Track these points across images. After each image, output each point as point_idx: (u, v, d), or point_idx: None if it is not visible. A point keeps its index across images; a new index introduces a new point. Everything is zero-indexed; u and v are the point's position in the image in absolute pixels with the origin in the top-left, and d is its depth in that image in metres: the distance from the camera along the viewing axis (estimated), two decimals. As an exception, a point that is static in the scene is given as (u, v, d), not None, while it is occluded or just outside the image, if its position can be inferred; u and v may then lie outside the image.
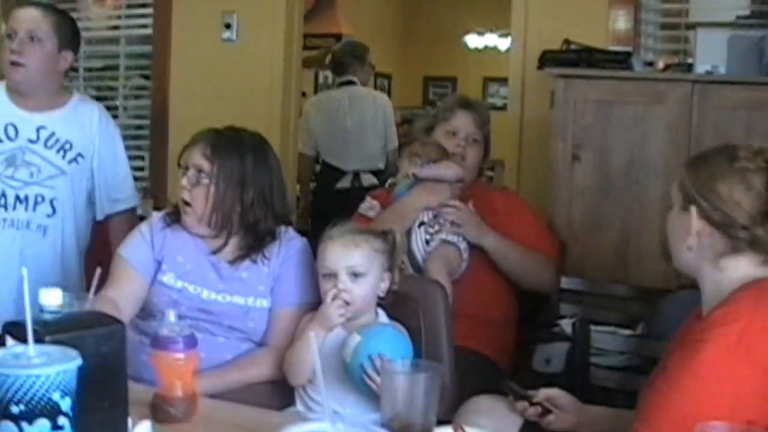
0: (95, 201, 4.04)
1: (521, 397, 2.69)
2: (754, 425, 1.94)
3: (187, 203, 3.03)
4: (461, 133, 3.94)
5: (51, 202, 3.87)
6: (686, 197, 2.34)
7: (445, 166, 3.71)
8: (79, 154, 3.93)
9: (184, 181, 3.02)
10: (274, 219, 3.07)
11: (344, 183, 6.56)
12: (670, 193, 2.43)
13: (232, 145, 3.04)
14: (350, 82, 6.75)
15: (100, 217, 4.07)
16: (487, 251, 3.70)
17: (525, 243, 3.74)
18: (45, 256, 3.86)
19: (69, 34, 3.93)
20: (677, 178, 2.40)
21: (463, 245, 3.63)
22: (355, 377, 2.55)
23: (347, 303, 2.69)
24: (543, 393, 2.69)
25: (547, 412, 2.65)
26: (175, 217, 3.12)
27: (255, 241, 3.04)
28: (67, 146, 3.90)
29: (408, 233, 3.52)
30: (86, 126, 3.98)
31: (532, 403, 2.66)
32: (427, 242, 3.60)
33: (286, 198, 3.18)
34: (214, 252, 3.05)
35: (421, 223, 3.63)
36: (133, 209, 4.19)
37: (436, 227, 3.62)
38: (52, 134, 3.88)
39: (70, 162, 3.90)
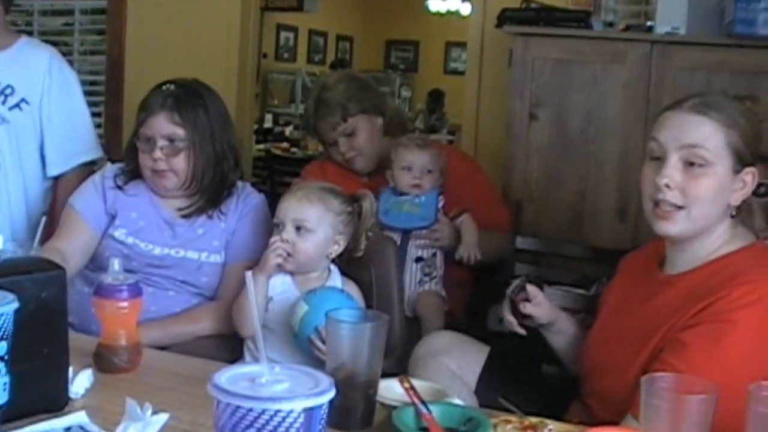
0: (46, 155, 3.68)
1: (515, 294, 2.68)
2: None
3: (163, 171, 2.96)
4: (340, 139, 3.76)
5: None
6: (741, 158, 2.26)
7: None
8: (23, 100, 3.58)
9: (158, 153, 2.93)
10: (237, 166, 3.06)
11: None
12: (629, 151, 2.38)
13: (193, 100, 2.99)
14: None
15: (53, 172, 3.69)
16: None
17: (479, 215, 3.68)
18: None
19: None
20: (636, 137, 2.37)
21: (443, 293, 3.58)
22: (303, 347, 2.55)
23: (288, 254, 2.67)
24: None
25: None
26: (127, 177, 3.08)
27: (219, 194, 3.02)
28: (8, 91, 3.56)
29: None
30: (33, 69, 3.61)
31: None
32: (420, 281, 3.54)
33: (237, 137, 3.17)
34: (177, 211, 3.03)
35: (419, 259, 3.56)
36: (92, 163, 3.78)
37: (433, 273, 3.56)
38: None
39: (11, 108, 3.56)
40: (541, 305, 2.65)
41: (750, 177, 2.27)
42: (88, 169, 3.67)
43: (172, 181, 2.96)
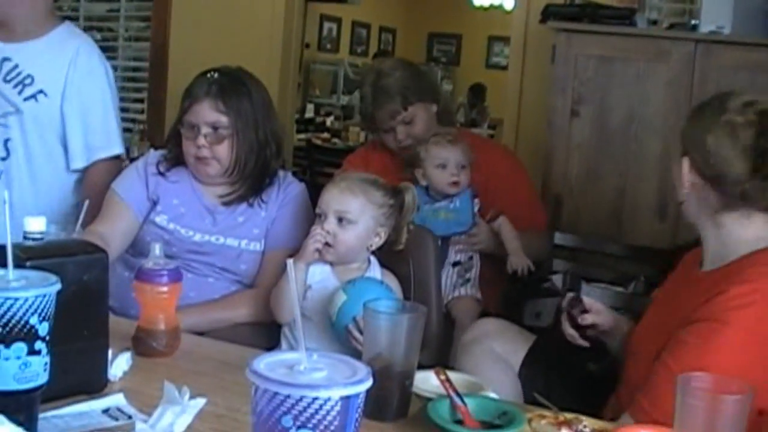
0: (68, 148, 3.58)
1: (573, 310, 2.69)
2: (765, 414, 1.95)
3: (206, 158, 2.97)
4: (398, 127, 3.71)
5: (5, 143, 3.51)
6: (683, 147, 2.31)
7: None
8: (41, 91, 3.50)
9: (202, 140, 2.94)
10: (279, 153, 3.08)
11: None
12: (670, 151, 2.40)
13: (237, 88, 3.00)
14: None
15: (75, 166, 3.60)
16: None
17: (518, 213, 3.65)
18: None
19: None
20: (677, 136, 2.37)
21: (479, 295, 3.55)
22: (340, 336, 2.55)
23: (329, 245, 2.67)
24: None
25: None
26: (170, 164, 3.10)
27: (260, 182, 3.03)
28: (27, 81, 3.49)
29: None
30: (58, 60, 3.54)
31: None
32: (455, 285, 3.51)
33: (280, 125, 3.18)
34: (218, 198, 3.04)
35: (456, 263, 3.53)
36: (116, 157, 3.67)
37: (467, 275, 3.54)
38: (15, 67, 3.50)
39: (26, 99, 3.49)
40: (601, 313, 2.65)
41: (683, 167, 2.30)
42: (116, 163, 3.62)
43: (215, 168, 2.98)
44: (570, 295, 2.67)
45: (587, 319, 2.62)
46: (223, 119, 2.94)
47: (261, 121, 3.00)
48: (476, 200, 3.51)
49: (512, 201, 3.64)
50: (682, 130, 2.34)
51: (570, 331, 2.64)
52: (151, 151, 3.24)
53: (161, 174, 3.07)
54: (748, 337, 2.08)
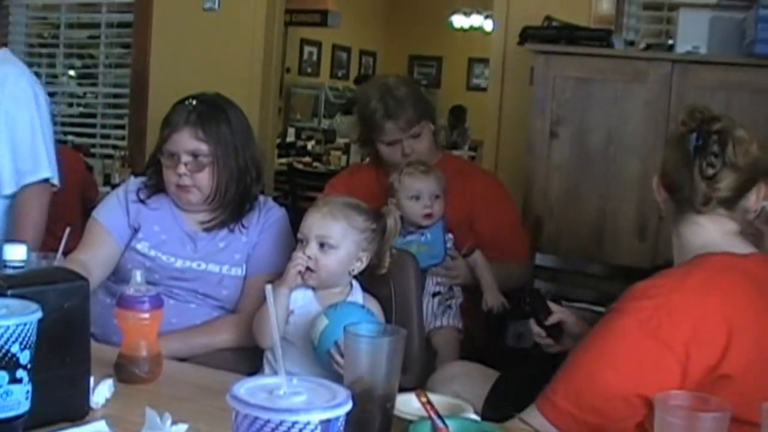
0: None
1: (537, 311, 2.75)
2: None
3: (187, 186, 2.97)
4: (403, 143, 3.71)
5: None
6: None
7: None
8: None
9: (182, 169, 2.93)
10: (260, 179, 3.07)
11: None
12: (649, 170, 2.44)
13: (216, 115, 2.99)
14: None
15: (5, 191, 3.58)
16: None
17: (501, 240, 3.69)
18: None
19: None
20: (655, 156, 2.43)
21: (460, 325, 3.54)
22: (323, 361, 2.54)
23: (311, 270, 2.67)
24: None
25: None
26: (150, 191, 3.09)
27: (241, 208, 3.03)
28: None
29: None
30: None
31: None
32: (436, 315, 3.48)
33: (260, 150, 3.20)
34: (199, 224, 3.04)
35: (436, 293, 3.50)
36: (45, 181, 3.63)
37: (449, 302, 3.52)
38: None
39: None
40: (565, 311, 2.73)
41: (653, 183, 2.40)
42: (45, 188, 3.62)
43: (197, 195, 2.98)
44: (528, 299, 2.73)
45: (552, 318, 2.70)
46: (203, 147, 2.93)
47: (241, 148, 3.00)
48: (450, 236, 3.50)
49: (496, 227, 3.66)
50: None
51: (536, 329, 2.71)
52: (131, 178, 3.23)
53: (142, 201, 3.06)
54: (639, 325, 2.10)
